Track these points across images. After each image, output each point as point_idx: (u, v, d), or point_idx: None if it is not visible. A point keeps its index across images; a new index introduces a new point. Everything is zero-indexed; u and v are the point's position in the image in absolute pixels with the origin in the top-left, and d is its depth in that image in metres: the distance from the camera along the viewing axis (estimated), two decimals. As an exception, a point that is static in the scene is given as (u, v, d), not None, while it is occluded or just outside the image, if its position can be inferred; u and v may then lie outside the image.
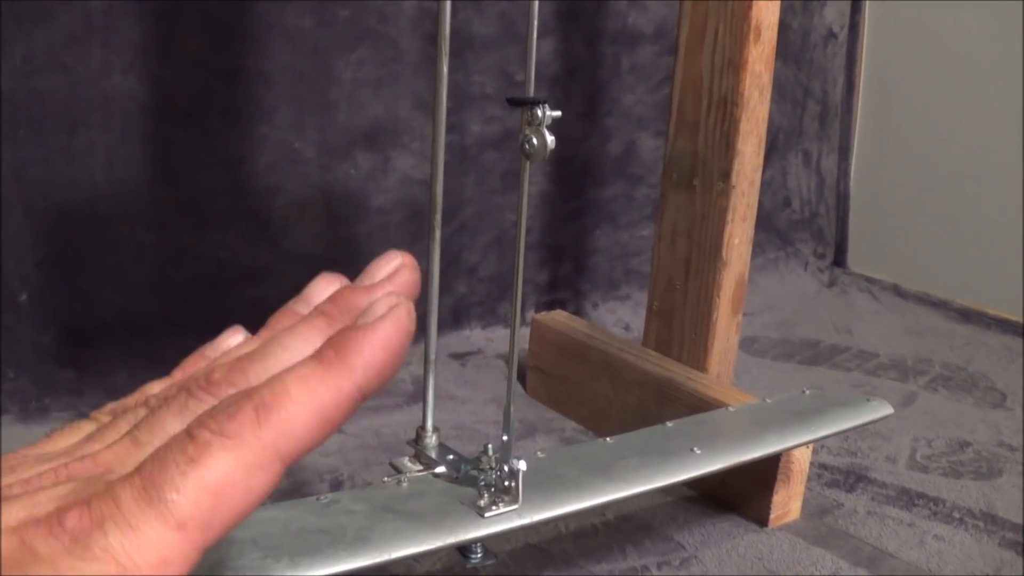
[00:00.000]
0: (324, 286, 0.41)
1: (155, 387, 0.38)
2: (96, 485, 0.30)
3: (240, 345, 0.40)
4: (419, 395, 1.43)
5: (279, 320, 0.40)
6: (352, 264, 1.49)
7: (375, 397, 1.33)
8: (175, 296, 1.47)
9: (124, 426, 0.35)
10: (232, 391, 0.34)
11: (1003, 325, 1.92)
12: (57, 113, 1.34)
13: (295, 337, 0.36)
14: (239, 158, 1.48)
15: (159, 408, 0.35)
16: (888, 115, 2.16)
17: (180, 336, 1.48)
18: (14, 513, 0.29)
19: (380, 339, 0.34)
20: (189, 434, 0.31)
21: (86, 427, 0.36)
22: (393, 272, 0.40)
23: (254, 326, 1.43)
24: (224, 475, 0.30)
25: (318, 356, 0.33)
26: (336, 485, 1.22)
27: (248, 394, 0.32)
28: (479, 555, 0.83)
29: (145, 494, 0.29)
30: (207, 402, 0.34)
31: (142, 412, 0.35)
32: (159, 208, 1.44)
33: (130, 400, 0.38)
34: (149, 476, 0.30)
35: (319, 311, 0.38)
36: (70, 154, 1.36)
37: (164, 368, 1.42)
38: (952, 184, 2.02)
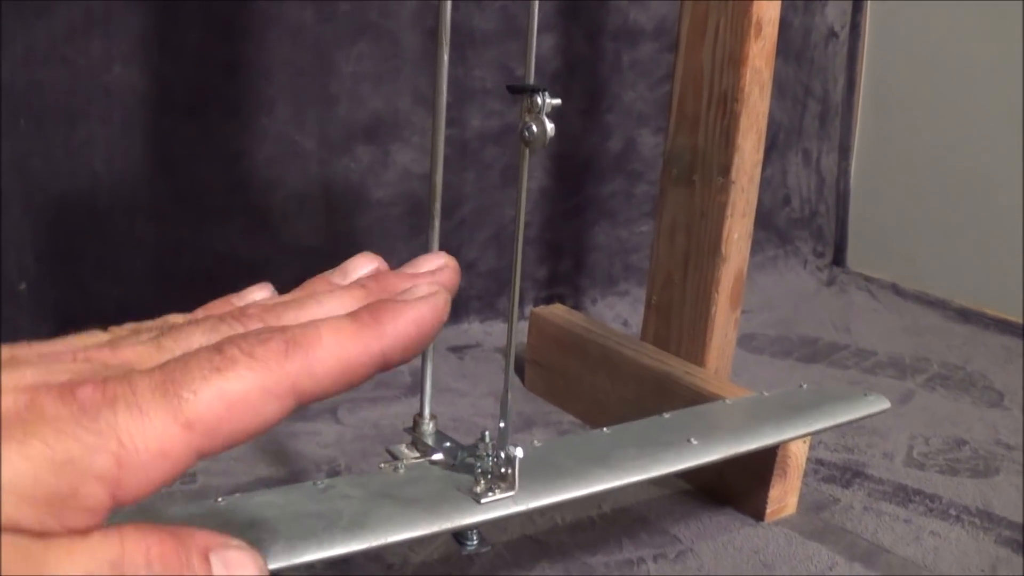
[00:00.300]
0: (364, 262, 0.42)
1: (178, 317, 0.39)
2: (115, 370, 0.31)
3: (272, 298, 0.40)
4: (417, 387, 1.43)
5: (314, 284, 0.41)
6: (351, 257, 1.48)
7: (374, 388, 1.33)
8: (174, 289, 1.48)
9: (146, 336, 0.35)
10: (262, 325, 0.35)
11: (1001, 325, 1.92)
12: (57, 105, 1.34)
13: (332, 298, 0.38)
14: (239, 151, 1.48)
15: (186, 325, 0.36)
16: (888, 115, 2.17)
17: (179, 328, 1.48)
18: (28, 375, 0.30)
19: (415, 314, 0.35)
20: (217, 348, 0.32)
21: (103, 336, 0.37)
22: (437, 268, 0.40)
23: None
24: (242, 391, 0.31)
25: (353, 315, 0.35)
26: (334, 475, 1.22)
27: (282, 328, 0.33)
28: (475, 542, 0.83)
29: (162, 387, 0.30)
30: (236, 329, 0.35)
31: (166, 328, 0.36)
32: (159, 200, 1.44)
33: (150, 323, 0.39)
34: (170, 373, 0.31)
35: (359, 283, 0.39)
36: (70, 146, 1.36)
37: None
38: (952, 184, 2.02)
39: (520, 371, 1.57)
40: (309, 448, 1.31)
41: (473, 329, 1.77)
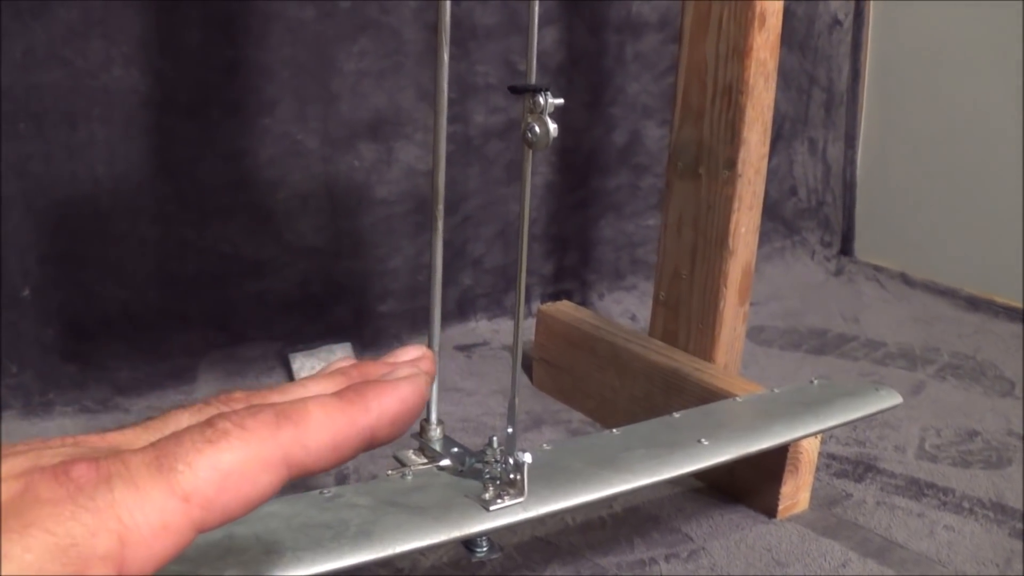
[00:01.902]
0: (342, 361, 0.43)
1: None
2: (105, 452, 0.31)
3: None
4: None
5: (300, 381, 0.42)
6: (356, 255, 1.48)
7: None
8: (178, 290, 1.47)
9: (131, 423, 0.36)
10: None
11: (1011, 313, 1.91)
12: (57, 108, 1.33)
13: (315, 383, 0.39)
14: (241, 151, 1.47)
15: (175, 410, 0.36)
16: (894, 103, 2.15)
17: (183, 330, 1.47)
18: (19, 463, 0.30)
19: (398, 393, 0.37)
20: (209, 422, 0.32)
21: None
22: (414, 359, 0.42)
23: (257, 320, 1.42)
24: (235, 462, 0.31)
25: (339, 392, 0.36)
26: (341, 479, 1.21)
27: (270, 404, 0.34)
28: (484, 548, 0.82)
29: (156, 461, 0.30)
30: (223, 410, 0.35)
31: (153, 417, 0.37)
32: (161, 202, 1.43)
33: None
34: (163, 447, 0.30)
35: (340, 371, 0.40)
36: (71, 149, 1.35)
37: (167, 363, 1.42)
38: (959, 172, 2.01)
39: (528, 369, 1.56)
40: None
41: (480, 327, 1.76)
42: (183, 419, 0.35)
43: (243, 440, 0.31)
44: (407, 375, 0.38)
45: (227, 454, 0.31)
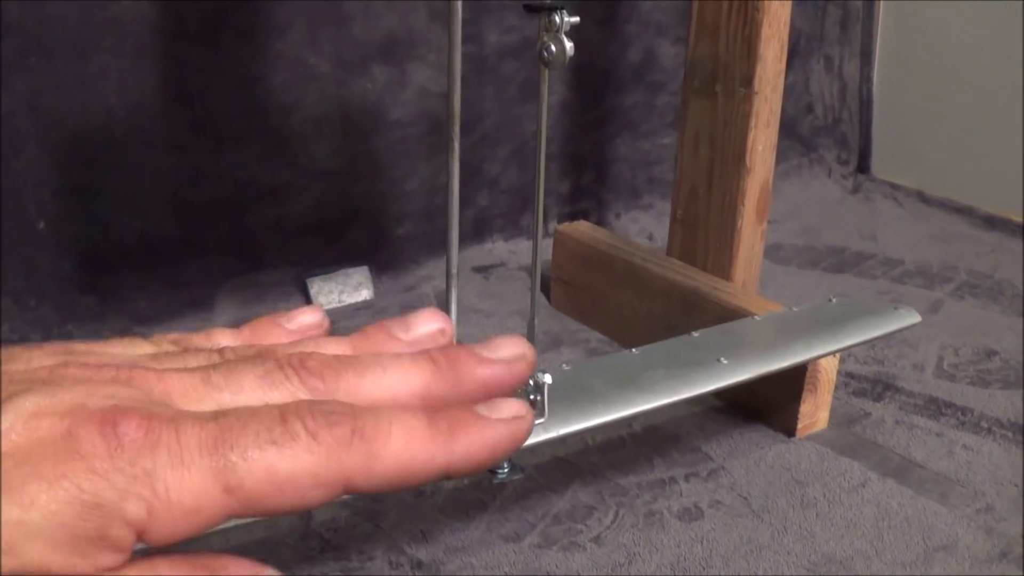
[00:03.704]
0: (428, 319, 0.38)
1: (226, 336, 0.37)
2: (163, 407, 0.30)
3: (331, 341, 0.38)
4: (443, 309, 1.42)
5: (375, 334, 0.37)
6: (372, 178, 1.47)
7: (398, 312, 1.32)
8: (194, 218, 1.47)
9: (193, 361, 0.33)
10: (321, 387, 0.33)
11: (1030, 230, 1.89)
12: (68, 39, 1.32)
13: (398, 368, 0.35)
14: (254, 76, 1.46)
15: (239, 362, 0.33)
16: (910, 18, 2.12)
17: (201, 257, 1.47)
18: (68, 397, 0.28)
19: (492, 438, 0.33)
20: (283, 417, 0.30)
21: (146, 346, 0.35)
22: (512, 359, 0.36)
23: (274, 246, 1.42)
24: (295, 472, 0.29)
25: (431, 420, 0.32)
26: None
27: (353, 414, 0.31)
28: (506, 470, 0.83)
29: (212, 443, 0.28)
30: (293, 382, 0.32)
31: (215, 357, 0.34)
32: (175, 130, 1.42)
33: (196, 338, 0.37)
34: (226, 430, 0.29)
35: (430, 357, 0.36)
36: (82, 80, 1.34)
37: (185, 291, 1.42)
38: (976, 88, 1.99)
39: (546, 289, 1.56)
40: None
41: (497, 248, 1.76)
42: (247, 378, 0.32)
43: (310, 452, 0.29)
44: (511, 416, 0.33)
45: (288, 462, 0.29)
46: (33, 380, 0.30)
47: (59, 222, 1.37)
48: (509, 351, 0.36)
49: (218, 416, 0.29)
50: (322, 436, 0.30)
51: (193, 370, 0.32)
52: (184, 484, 0.28)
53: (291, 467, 0.29)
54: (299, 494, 0.29)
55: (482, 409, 0.34)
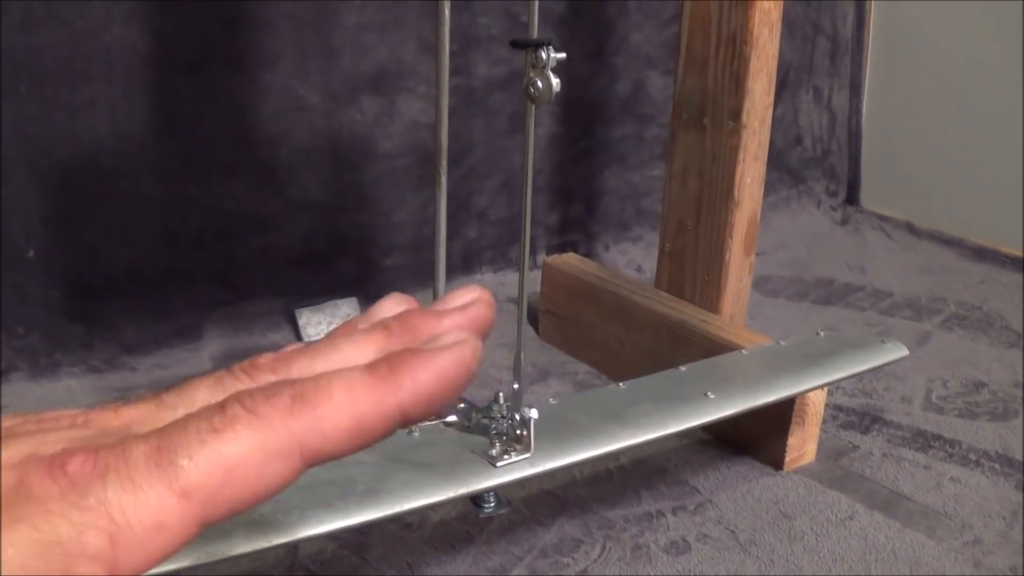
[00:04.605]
0: (391, 306, 0.38)
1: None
2: (110, 437, 0.29)
3: (291, 346, 0.38)
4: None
5: (338, 329, 0.38)
6: (361, 210, 1.47)
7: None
8: (182, 248, 1.46)
9: (150, 396, 0.33)
10: (273, 378, 0.32)
11: (1017, 263, 1.90)
12: (58, 68, 1.32)
13: (350, 343, 0.34)
14: (243, 107, 1.46)
15: (193, 380, 0.33)
16: (899, 50, 2.13)
17: (189, 287, 1.47)
18: (18, 450, 0.28)
19: (437, 366, 0.32)
20: (220, 406, 0.29)
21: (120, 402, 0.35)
22: (467, 303, 0.36)
23: (262, 276, 1.42)
24: (242, 453, 0.28)
25: (370, 366, 0.32)
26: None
27: (290, 383, 0.31)
28: (492, 504, 0.82)
29: (157, 454, 0.28)
30: (243, 382, 0.33)
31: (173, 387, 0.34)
32: (164, 160, 1.42)
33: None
34: (167, 437, 0.28)
35: (381, 325, 0.36)
36: (72, 109, 1.34)
37: (173, 321, 1.42)
38: (965, 121, 2.00)
39: (534, 321, 1.56)
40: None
41: (486, 280, 1.76)
42: (200, 392, 0.32)
43: (252, 428, 0.29)
44: (452, 342, 0.33)
45: (233, 445, 0.28)
46: None
47: (48, 250, 1.37)
48: (462, 299, 0.36)
49: (161, 429, 0.29)
50: (261, 410, 0.29)
51: (149, 399, 0.32)
52: (140, 503, 0.27)
53: (236, 449, 0.28)
54: (256, 474, 0.29)
55: (424, 345, 0.33)
